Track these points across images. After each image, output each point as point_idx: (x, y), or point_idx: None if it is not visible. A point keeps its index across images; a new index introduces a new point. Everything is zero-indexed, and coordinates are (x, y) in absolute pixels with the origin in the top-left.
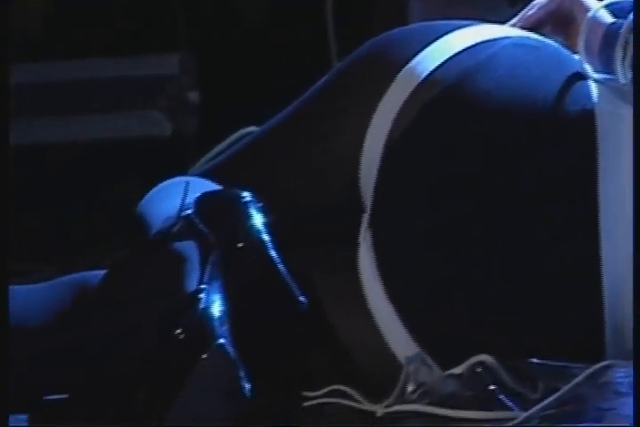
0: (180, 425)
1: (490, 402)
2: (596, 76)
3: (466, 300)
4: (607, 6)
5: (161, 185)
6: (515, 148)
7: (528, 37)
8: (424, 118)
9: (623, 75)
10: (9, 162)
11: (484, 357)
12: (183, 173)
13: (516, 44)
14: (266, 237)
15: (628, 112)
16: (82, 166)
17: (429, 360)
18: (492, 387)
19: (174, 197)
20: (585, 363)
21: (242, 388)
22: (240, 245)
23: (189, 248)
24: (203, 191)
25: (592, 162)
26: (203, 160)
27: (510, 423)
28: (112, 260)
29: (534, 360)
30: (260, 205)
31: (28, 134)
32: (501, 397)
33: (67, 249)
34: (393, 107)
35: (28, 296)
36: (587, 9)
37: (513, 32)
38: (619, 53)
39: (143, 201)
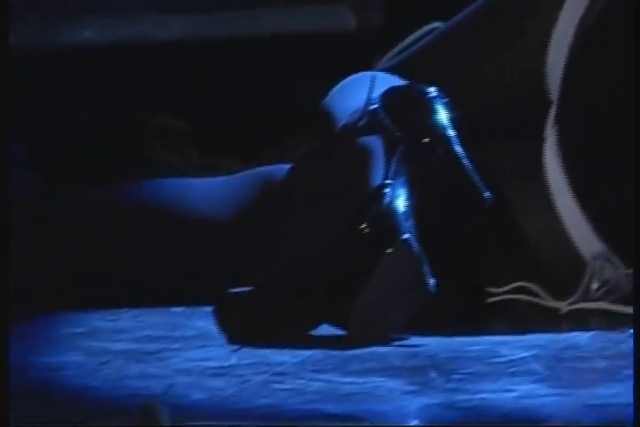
0: (365, 318)
1: None
2: None
3: None
4: None
5: (347, 80)
6: None
7: None
8: (612, 12)
9: None
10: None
11: None
12: (369, 68)
13: None
14: (451, 133)
15: None
16: (267, 61)
17: (614, 258)
18: None
19: (360, 91)
20: None
21: (426, 283)
22: (426, 140)
23: (375, 143)
24: (389, 86)
25: None
26: (389, 55)
27: None
28: (297, 154)
29: None
30: (446, 100)
31: (210, 29)
32: None
33: (252, 143)
34: (580, 1)
35: (212, 189)
36: None
37: None
38: None
39: (329, 96)
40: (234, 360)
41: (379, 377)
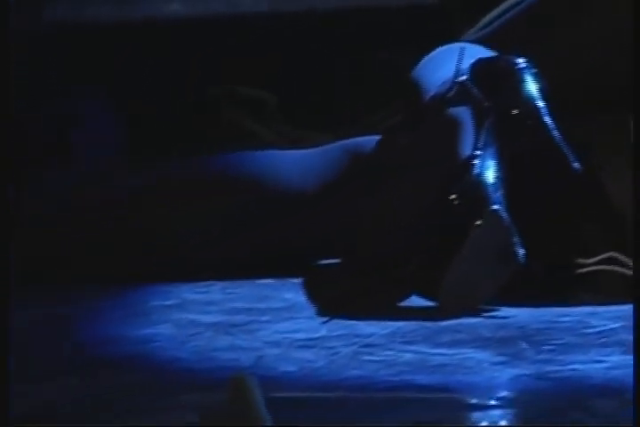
0: (455, 289)
1: None
2: None
3: None
4: None
5: (436, 51)
6: None
7: None
8: None
9: None
10: None
11: None
12: (458, 39)
13: None
14: (541, 104)
15: None
16: (357, 33)
17: None
18: None
19: (449, 62)
20: None
21: (515, 253)
22: (515, 111)
23: (464, 114)
24: (478, 57)
25: None
26: (477, 26)
27: None
28: (386, 125)
29: None
30: (535, 71)
31: (296, 1)
32: None
33: (340, 115)
34: None
35: (301, 161)
36: None
37: None
38: None
39: (418, 67)
40: (323, 332)
41: (468, 348)
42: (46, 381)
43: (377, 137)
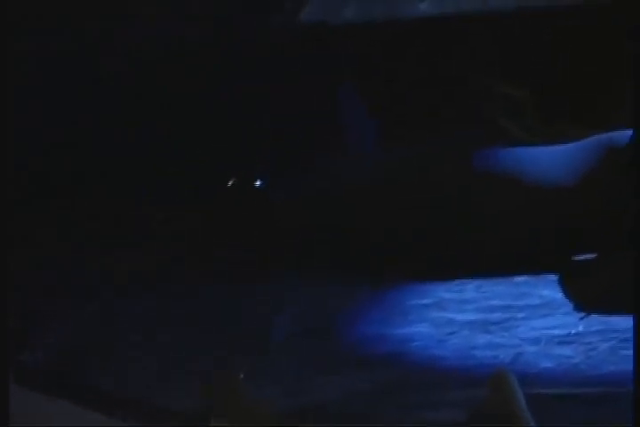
0: None
1: None
2: None
3: None
4: None
5: None
6: None
7: None
8: None
9: None
10: None
11: None
12: None
13: None
14: None
15: None
16: (606, 29)
17: None
18: None
19: None
20: None
21: None
22: None
23: None
24: None
25: None
26: None
27: None
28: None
29: None
30: None
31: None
32: None
33: (596, 110)
34: None
35: (554, 157)
36: None
37: None
38: None
39: None
40: (580, 328)
41: None
42: (314, 378)
43: (630, 131)
